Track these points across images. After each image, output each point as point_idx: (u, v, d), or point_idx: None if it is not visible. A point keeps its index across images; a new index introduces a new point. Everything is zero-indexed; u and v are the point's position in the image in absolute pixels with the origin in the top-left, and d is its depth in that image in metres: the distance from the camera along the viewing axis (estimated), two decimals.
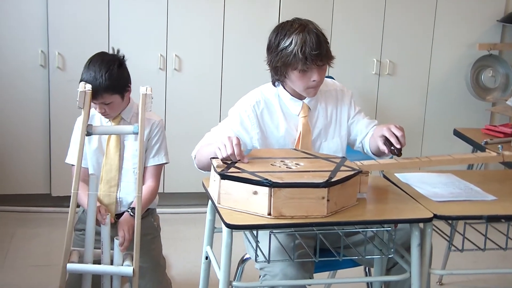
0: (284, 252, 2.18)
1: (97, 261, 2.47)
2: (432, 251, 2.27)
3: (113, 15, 4.12)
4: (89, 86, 2.43)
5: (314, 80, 2.42)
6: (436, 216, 2.12)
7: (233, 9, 4.27)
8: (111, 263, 2.45)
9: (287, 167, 2.18)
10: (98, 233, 2.47)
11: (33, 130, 4.20)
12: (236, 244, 2.09)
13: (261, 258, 2.09)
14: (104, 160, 2.66)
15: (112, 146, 2.65)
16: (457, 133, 3.47)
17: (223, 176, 2.07)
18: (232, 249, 2.05)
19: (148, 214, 2.75)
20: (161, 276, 2.79)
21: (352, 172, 2.14)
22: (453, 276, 3.60)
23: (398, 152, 2.35)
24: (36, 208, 4.28)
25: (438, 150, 4.53)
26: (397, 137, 2.35)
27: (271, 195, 2.00)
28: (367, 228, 2.20)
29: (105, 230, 2.44)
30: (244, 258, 2.57)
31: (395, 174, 2.50)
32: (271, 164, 2.19)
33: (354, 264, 2.61)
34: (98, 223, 2.46)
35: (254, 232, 2.08)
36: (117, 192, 2.66)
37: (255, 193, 2.02)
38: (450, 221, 2.22)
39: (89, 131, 2.44)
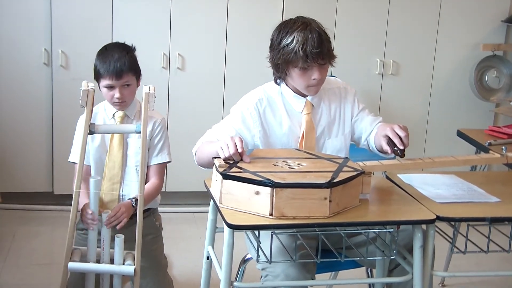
0: (285, 252, 2.17)
1: (98, 260, 2.47)
2: (434, 253, 2.26)
3: (116, 14, 4.12)
4: (92, 85, 2.43)
5: (314, 79, 2.42)
6: (438, 218, 2.11)
7: (237, 8, 4.26)
8: (111, 262, 2.45)
9: (289, 167, 2.17)
10: (99, 232, 2.47)
11: (36, 128, 4.20)
12: (238, 244, 2.08)
13: (262, 258, 2.08)
14: (107, 157, 2.65)
15: (115, 144, 2.65)
16: (460, 134, 3.46)
17: (225, 176, 2.07)
18: (233, 249, 2.04)
19: (150, 214, 2.75)
20: (163, 275, 2.79)
21: (355, 173, 2.14)
22: (455, 278, 3.59)
23: (401, 153, 2.34)
24: (38, 206, 4.28)
25: (441, 151, 4.52)
26: (400, 138, 2.34)
27: (273, 195, 1.99)
28: (369, 229, 2.19)
29: (106, 229, 2.44)
30: (246, 258, 2.56)
31: (398, 175, 2.49)
32: (273, 164, 2.18)
33: (356, 265, 2.61)
34: (109, 225, 2.46)
35: (256, 232, 2.08)
36: (119, 190, 2.65)
37: (257, 193, 2.01)
38: (453, 223, 2.21)
39: (91, 130, 2.44)
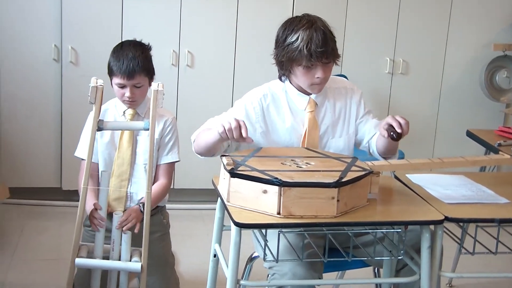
0: (293, 251, 2.16)
1: (105, 257, 2.47)
2: (442, 253, 2.24)
3: (126, 10, 4.13)
4: (101, 81, 2.43)
5: (318, 77, 2.41)
6: (447, 219, 2.10)
7: (247, 6, 4.26)
8: (119, 259, 2.45)
9: (297, 166, 2.16)
10: (107, 230, 2.47)
11: (45, 124, 4.22)
12: (245, 242, 2.08)
13: (269, 257, 2.08)
14: (116, 154, 2.65)
15: (125, 141, 2.65)
16: (470, 134, 3.44)
17: (233, 174, 2.06)
18: (240, 247, 2.04)
19: (158, 212, 2.75)
20: (170, 273, 2.79)
21: (363, 173, 2.13)
22: (463, 279, 3.57)
23: (397, 137, 2.31)
24: (47, 201, 4.29)
25: (451, 151, 4.50)
26: (400, 123, 2.32)
27: (281, 194, 1.99)
28: (377, 229, 2.19)
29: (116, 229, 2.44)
30: (253, 256, 2.56)
31: (407, 175, 2.48)
32: (282, 163, 2.18)
33: (363, 264, 2.60)
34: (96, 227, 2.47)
35: (263, 231, 2.07)
36: (127, 187, 2.66)
37: (265, 192, 2.01)
38: (461, 224, 2.20)
39: (100, 127, 2.44)
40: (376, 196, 2.23)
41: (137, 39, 2.74)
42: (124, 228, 2.46)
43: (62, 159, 4.23)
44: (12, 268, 3.42)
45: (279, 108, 2.52)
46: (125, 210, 2.62)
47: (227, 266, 2.09)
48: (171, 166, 2.74)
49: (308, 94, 2.52)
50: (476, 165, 2.61)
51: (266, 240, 2.06)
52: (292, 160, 2.22)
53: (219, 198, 2.29)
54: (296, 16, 2.48)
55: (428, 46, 4.56)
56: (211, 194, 2.80)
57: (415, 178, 2.46)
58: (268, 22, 4.22)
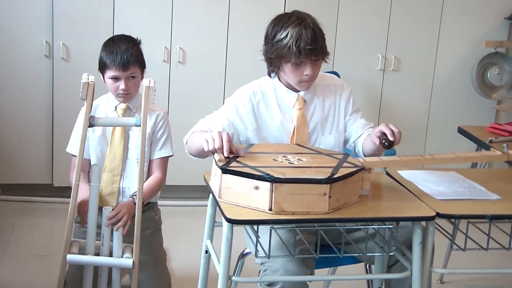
0: (284, 247, 2.17)
1: (97, 253, 2.46)
2: (434, 250, 2.25)
3: (118, 6, 4.11)
4: (92, 77, 2.42)
5: (306, 74, 2.41)
6: (438, 215, 2.11)
7: (238, 3, 4.25)
8: (110, 255, 2.44)
9: (289, 162, 2.16)
10: (99, 226, 2.46)
11: (36, 120, 4.20)
12: (237, 238, 2.08)
13: (261, 253, 2.08)
14: (108, 149, 2.65)
15: (117, 136, 2.65)
16: (461, 131, 3.45)
17: (225, 171, 2.06)
18: (232, 243, 2.04)
19: (149, 208, 2.74)
20: (161, 270, 2.78)
21: (355, 169, 2.13)
22: (454, 275, 3.58)
23: (389, 145, 2.31)
24: (38, 198, 4.28)
25: (442, 148, 4.51)
26: (392, 132, 2.33)
27: (272, 190, 1.99)
28: (369, 225, 2.19)
29: (105, 221, 2.43)
30: (244, 252, 2.56)
31: (398, 171, 2.49)
32: (273, 159, 2.18)
33: (355, 260, 2.60)
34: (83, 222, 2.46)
35: (255, 227, 2.07)
36: (120, 182, 2.65)
37: (257, 188, 2.01)
38: (453, 220, 2.21)
39: (91, 123, 2.43)
40: (367, 193, 2.23)
41: (131, 35, 2.74)
42: (115, 228, 2.46)
43: (54, 156, 4.22)
44: (4, 264, 3.41)
45: (269, 105, 2.52)
46: (117, 205, 2.62)
47: (219, 262, 2.09)
48: (165, 160, 2.73)
49: (297, 91, 2.52)
50: (467, 162, 2.61)
51: (258, 236, 2.06)
52: (283, 156, 2.22)
53: (210, 194, 2.29)
54: (286, 13, 2.47)
55: (420, 43, 4.56)
56: (203, 191, 2.81)
57: (407, 174, 2.46)
58: (260, 18, 4.19)
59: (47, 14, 4.06)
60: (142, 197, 2.51)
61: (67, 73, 4.09)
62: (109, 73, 2.59)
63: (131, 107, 2.67)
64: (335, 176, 2.03)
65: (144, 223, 2.49)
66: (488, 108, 4.66)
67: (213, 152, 2.18)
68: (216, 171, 2.13)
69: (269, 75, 2.55)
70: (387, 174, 2.49)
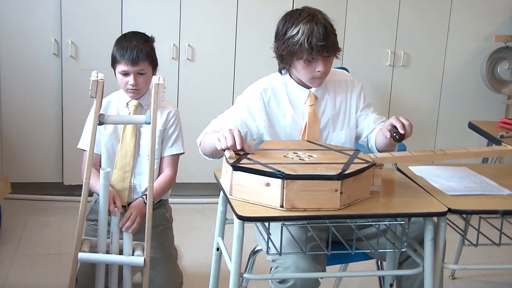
0: (296, 244, 2.16)
1: (108, 251, 2.47)
2: (445, 245, 2.24)
3: (126, 4, 4.12)
4: (101, 75, 2.42)
5: (318, 71, 2.40)
6: (450, 210, 2.09)
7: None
8: (120, 253, 2.45)
9: (300, 159, 2.16)
10: (109, 223, 2.47)
11: (46, 119, 4.21)
12: (248, 235, 2.08)
13: (272, 250, 2.07)
14: (119, 146, 2.65)
15: (128, 132, 2.65)
16: (472, 126, 3.43)
17: (236, 168, 2.06)
18: (243, 240, 2.04)
19: (161, 205, 2.74)
20: (173, 267, 2.79)
21: (366, 165, 2.12)
22: (466, 270, 3.57)
23: (400, 138, 2.30)
24: (48, 196, 4.30)
25: (452, 143, 4.50)
26: (403, 125, 2.31)
27: (283, 187, 1.98)
28: (380, 221, 2.18)
29: (115, 220, 2.44)
30: (256, 250, 2.56)
31: (409, 167, 2.48)
32: (284, 156, 2.17)
33: (366, 257, 2.59)
34: (109, 212, 2.46)
35: (266, 224, 2.07)
36: (131, 179, 2.65)
37: (268, 184, 2.00)
38: (464, 216, 2.19)
39: (101, 121, 2.44)
40: (379, 189, 2.22)
41: None
42: (130, 231, 2.47)
43: (64, 154, 4.23)
44: (15, 263, 3.42)
45: (280, 102, 2.52)
46: (128, 202, 2.62)
47: (230, 260, 2.09)
48: (176, 158, 2.73)
49: (308, 87, 2.51)
50: (478, 157, 2.60)
51: (269, 233, 2.05)
52: (294, 152, 2.22)
53: (221, 192, 2.28)
54: (296, 9, 2.46)
55: (429, 38, 4.54)
56: (213, 188, 2.80)
57: (418, 170, 2.45)
58: (268, 15, 4.20)
59: (56, 12, 4.07)
60: (154, 197, 2.53)
61: (76, 71, 4.10)
62: (119, 67, 2.61)
63: (143, 104, 2.68)
64: (346, 172, 2.02)
65: (155, 221, 2.50)
66: (498, 103, 4.64)
67: (226, 149, 2.17)
68: (227, 168, 2.13)
69: (280, 71, 2.54)
70: (398, 169, 2.48)
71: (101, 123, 2.44)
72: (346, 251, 2.16)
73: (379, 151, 2.50)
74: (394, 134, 2.30)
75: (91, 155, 2.38)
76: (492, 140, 3.20)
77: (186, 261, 3.47)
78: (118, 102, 2.69)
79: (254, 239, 2.55)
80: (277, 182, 1.99)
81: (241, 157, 2.13)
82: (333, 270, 2.78)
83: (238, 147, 2.15)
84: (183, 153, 2.75)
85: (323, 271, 2.28)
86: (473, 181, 2.36)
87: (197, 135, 2.55)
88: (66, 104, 4.16)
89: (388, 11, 4.45)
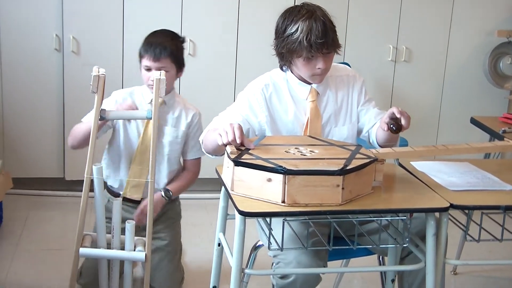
0: (297, 240, 2.16)
1: (109, 246, 2.47)
2: (447, 241, 2.24)
3: None
4: (102, 70, 2.42)
5: (319, 68, 2.39)
6: (452, 206, 2.09)
7: None
8: (120, 247, 2.45)
9: (301, 154, 2.15)
10: (123, 220, 2.48)
11: (47, 114, 4.21)
12: (249, 231, 2.07)
13: (274, 245, 2.07)
14: (139, 141, 2.65)
15: (150, 129, 2.64)
16: (474, 121, 3.43)
17: (237, 163, 2.05)
18: (245, 236, 2.03)
19: (176, 199, 2.77)
20: (177, 263, 2.83)
21: (368, 160, 2.12)
22: (467, 265, 3.57)
23: (397, 129, 2.28)
24: (50, 192, 4.30)
25: (455, 139, 4.49)
26: (401, 113, 2.30)
27: (285, 183, 1.98)
28: (382, 217, 2.18)
29: (116, 215, 2.43)
30: (257, 245, 2.55)
31: (411, 162, 2.47)
32: (285, 151, 2.17)
33: (368, 252, 2.59)
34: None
35: (268, 219, 2.06)
36: (148, 175, 2.65)
37: (269, 180, 2.00)
38: (466, 211, 2.19)
39: (102, 116, 2.43)
40: (380, 184, 2.22)
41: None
42: (143, 222, 2.53)
43: (65, 149, 4.23)
44: (16, 258, 3.42)
45: (281, 98, 2.51)
46: (143, 198, 2.64)
47: (232, 255, 2.08)
48: (198, 161, 2.81)
49: (309, 83, 2.50)
50: (481, 152, 2.60)
51: (271, 228, 2.05)
52: (296, 148, 2.21)
53: (223, 187, 2.28)
54: (296, 6, 2.44)
55: (431, 33, 4.53)
56: (215, 183, 2.81)
57: (420, 165, 2.45)
58: (271, 10, 4.18)
59: (57, 7, 4.06)
60: (173, 193, 2.68)
61: (77, 67, 4.09)
62: (143, 62, 2.65)
63: (166, 101, 2.68)
64: (348, 168, 2.02)
65: (169, 212, 2.63)
66: (501, 98, 4.63)
67: (228, 144, 2.17)
68: (228, 164, 2.13)
69: (281, 68, 2.53)
70: (400, 165, 2.47)
71: (102, 118, 2.44)
72: (347, 247, 2.15)
73: (381, 146, 2.49)
74: (391, 126, 2.28)
75: (93, 148, 2.38)
76: (494, 135, 3.19)
77: (188, 257, 3.47)
78: (141, 98, 2.69)
79: (255, 234, 2.54)
80: (278, 178, 1.98)
81: (243, 153, 2.12)
82: (334, 265, 2.78)
83: (238, 141, 2.14)
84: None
85: (324, 267, 2.28)
86: (475, 176, 2.36)
87: None
88: (67, 99, 4.16)
89: (390, 6, 4.44)
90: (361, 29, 4.41)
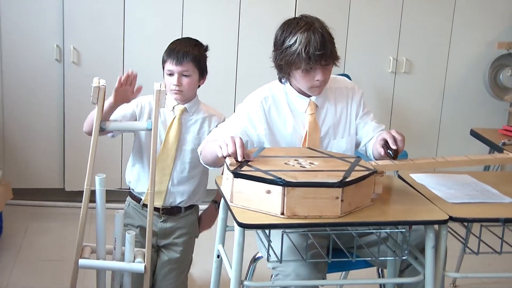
0: (296, 252, 2.16)
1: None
2: (446, 253, 2.23)
3: (128, 10, 4.12)
4: (103, 81, 2.42)
5: (317, 80, 2.39)
6: (451, 218, 2.09)
7: (249, 6, 4.25)
8: (121, 259, 2.44)
9: (301, 166, 2.15)
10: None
11: (48, 125, 4.21)
12: (248, 242, 2.07)
13: (273, 257, 2.07)
14: (161, 148, 2.65)
15: (172, 135, 2.65)
16: (474, 133, 3.43)
17: (236, 175, 2.05)
18: (244, 247, 2.03)
19: (193, 211, 2.80)
20: (185, 277, 2.83)
21: (367, 172, 2.12)
22: (467, 278, 3.56)
23: (394, 154, 2.32)
24: (50, 202, 4.30)
25: (454, 151, 4.49)
26: (395, 139, 2.32)
27: (284, 194, 1.98)
28: (381, 229, 2.18)
29: (118, 225, 2.43)
30: (256, 257, 2.55)
31: (410, 174, 2.47)
32: (285, 163, 2.17)
33: (367, 265, 2.59)
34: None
35: (267, 231, 2.06)
36: (168, 182, 2.65)
37: (268, 192, 2.00)
38: (465, 224, 2.19)
39: (102, 127, 2.44)
40: (380, 196, 2.22)
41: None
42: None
43: (65, 160, 4.23)
44: (16, 268, 3.42)
45: (280, 110, 2.51)
46: (163, 206, 2.67)
47: (231, 267, 2.08)
48: None
49: (308, 96, 2.51)
50: (480, 164, 2.60)
51: (270, 240, 2.05)
52: (295, 160, 2.21)
53: (222, 199, 2.28)
54: (294, 18, 2.45)
55: (432, 44, 4.54)
56: (214, 194, 2.80)
57: (419, 177, 2.45)
58: (270, 21, 4.16)
59: (58, 18, 4.07)
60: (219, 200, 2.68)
61: (78, 77, 4.10)
62: (166, 67, 2.64)
63: (188, 109, 2.68)
64: (347, 180, 2.02)
65: (189, 227, 2.71)
66: (500, 110, 4.63)
67: (228, 157, 2.17)
68: (227, 175, 2.13)
69: (280, 80, 2.53)
70: (399, 177, 2.47)
71: (102, 129, 2.44)
72: (346, 259, 2.15)
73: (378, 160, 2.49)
74: (388, 151, 2.31)
75: (93, 158, 2.38)
76: (494, 147, 3.19)
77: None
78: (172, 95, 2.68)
79: (254, 246, 2.54)
80: (278, 190, 1.98)
81: (242, 164, 2.12)
82: (333, 277, 2.77)
83: (239, 158, 2.14)
84: None
85: (323, 279, 2.27)
86: (475, 189, 2.36)
87: None
88: (68, 110, 4.16)
89: (390, 18, 4.45)
90: (362, 40, 4.42)
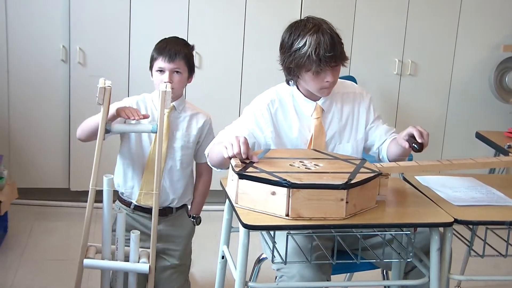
0: (301, 253, 2.16)
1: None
2: (451, 256, 2.23)
3: (134, 10, 4.13)
4: (109, 82, 2.43)
5: (327, 81, 2.39)
6: (456, 221, 2.09)
7: (255, 7, 4.25)
8: (124, 259, 2.45)
9: (306, 168, 2.15)
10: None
11: (53, 125, 4.22)
12: (253, 243, 2.07)
13: (278, 259, 2.07)
14: (151, 147, 2.65)
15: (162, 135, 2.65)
16: (479, 136, 3.42)
17: (241, 176, 2.06)
18: (248, 249, 2.03)
19: (183, 211, 2.83)
20: (186, 276, 2.83)
21: (372, 174, 2.12)
22: (472, 281, 3.55)
23: (419, 147, 2.30)
24: (55, 202, 4.30)
25: (460, 153, 4.47)
26: (421, 133, 2.32)
27: (289, 196, 1.98)
28: (386, 231, 2.18)
29: (120, 226, 2.43)
30: (261, 258, 2.55)
31: (416, 177, 2.47)
32: (290, 165, 2.17)
33: (372, 266, 2.59)
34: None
35: (271, 232, 2.06)
36: (161, 181, 2.65)
37: (273, 193, 2.00)
38: (471, 226, 2.19)
39: (107, 129, 2.45)
40: (385, 198, 2.22)
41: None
42: None
43: (71, 160, 4.23)
44: (21, 268, 3.43)
45: (287, 113, 2.50)
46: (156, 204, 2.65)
47: (235, 268, 2.08)
48: None
49: (315, 100, 2.50)
50: (485, 167, 2.59)
51: (275, 242, 2.05)
52: (300, 161, 2.21)
53: (227, 200, 2.28)
54: (301, 20, 2.43)
55: (437, 47, 4.54)
56: (219, 196, 2.81)
57: (424, 180, 2.45)
58: (276, 23, 4.19)
59: (64, 18, 4.08)
60: (197, 213, 2.81)
61: (83, 78, 4.11)
62: (156, 64, 2.64)
63: (176, 107, 2.69)
64: (352, 182, 2.02)
65: (184, 232, 2.76)
66: (506, 113, 4.62)
67: (233, 157, 2.17)
68: (232, 177, 2.13)
69: (288, 83, 2.53)
70: (404, 179, 2.47)
71: (107, 131, 2.45)
72: (351, 261, 2.15)
73: (391, 161, 2.49)
74: (413, 144, 2.30)
75: (98, 160, 2.39)
76: (500, 150, 3.19)
77: (192, 268, 3.46)
78: (152, 104, 2.69)
79: (259, 247, 2.54)
80: (282, 191, 1.99)
81: (247, 166, 2.13)
82: (338, 279, 2.77)
83: (244, 156, 2.14)
84: None
85: (328, 280, 2.28)
86: (480, 191, 2.36)
87: None
88: (73, 111, 4.17)
89: (396, 20, 4.44)
90: (367, 42, 4.41)
